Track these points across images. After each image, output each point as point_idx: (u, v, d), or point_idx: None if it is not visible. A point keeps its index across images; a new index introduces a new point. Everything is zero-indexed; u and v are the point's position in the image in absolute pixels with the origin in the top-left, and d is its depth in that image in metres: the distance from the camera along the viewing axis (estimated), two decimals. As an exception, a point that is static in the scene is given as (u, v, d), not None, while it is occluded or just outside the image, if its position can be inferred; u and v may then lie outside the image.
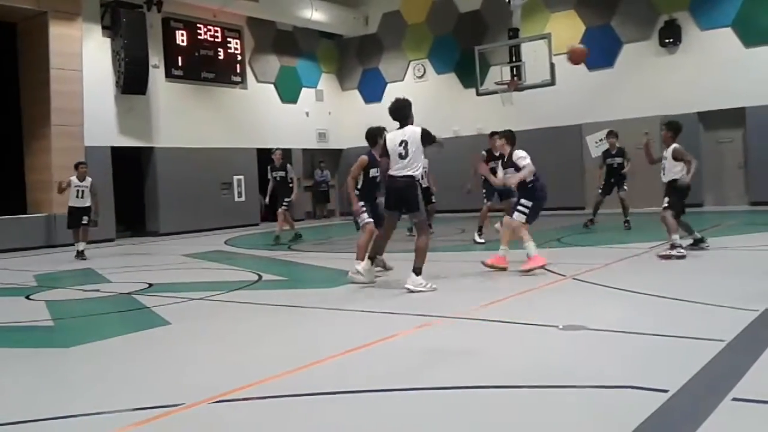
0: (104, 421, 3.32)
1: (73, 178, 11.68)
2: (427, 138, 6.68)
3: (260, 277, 8.33)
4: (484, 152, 10.66)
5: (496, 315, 5.31)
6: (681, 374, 3.49)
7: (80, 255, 11.45)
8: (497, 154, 9.81)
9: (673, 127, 8.36)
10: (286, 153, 19.75)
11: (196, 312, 6.35)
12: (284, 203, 12.58)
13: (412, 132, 6.69)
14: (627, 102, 16.45)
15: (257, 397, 3.56)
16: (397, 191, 6.72)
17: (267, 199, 13.21)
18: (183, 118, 17.29)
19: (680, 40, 15.95)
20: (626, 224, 11.74)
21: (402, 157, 6.66)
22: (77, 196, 11.65)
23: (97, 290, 7.90)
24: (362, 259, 7.24)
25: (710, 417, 2.92)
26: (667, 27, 16.11)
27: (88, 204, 11.68)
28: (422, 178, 8.12)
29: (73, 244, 11.87)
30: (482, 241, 10.67)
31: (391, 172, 6.76)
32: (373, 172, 7.66)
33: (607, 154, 12.10)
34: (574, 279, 6.78)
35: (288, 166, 12.91)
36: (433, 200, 12.14)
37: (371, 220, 7.56)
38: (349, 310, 5.94)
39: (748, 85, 14.90)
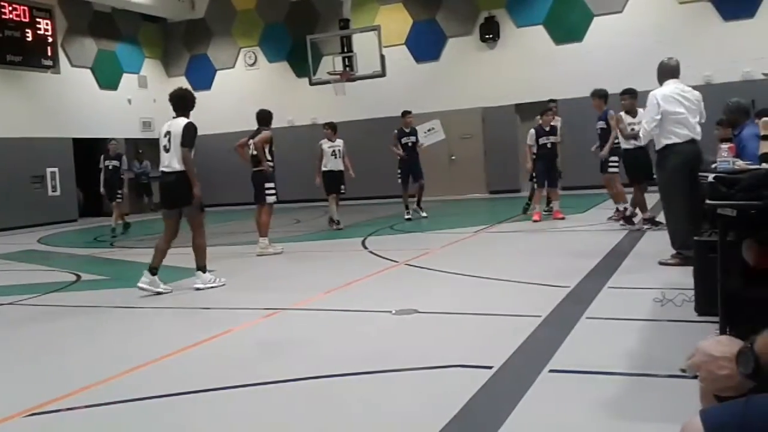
0: None
1: None
2: (185, 137, 6.10)
3: (79, 277, 7.73)
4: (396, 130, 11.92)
5: (330, 304, 5.34)
6: (504, 350, 3.71)
7: None
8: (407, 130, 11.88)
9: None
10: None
11: (5, 318, 5.76)
12: (118, 195, 12.64)
13: (177, 125, 6.24)
14: (452, 94, 17.22)
15: (78, 406, 3.29)
16: (167, 186, 6.31)
17: (102, 190, 12.95)
18: (-15, 105, 15.60)
19: (499, 36, 16.95)
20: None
21: (166, 150, 6.25)
22: None
23: None
24: (265, 236, 8.47)
25: (531, 389, 3.12)
26: (486, 23, 17.06)
27: None
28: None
29: None
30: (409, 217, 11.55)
31: (160, 167, 6.34)
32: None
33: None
34: (406, 264, 6.99)
35: (123, 157, 13.05)
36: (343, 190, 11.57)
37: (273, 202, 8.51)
38: (177, 308, 5.69)
39: (557, 79, 16.18)
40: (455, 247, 8.29)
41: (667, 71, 5.98)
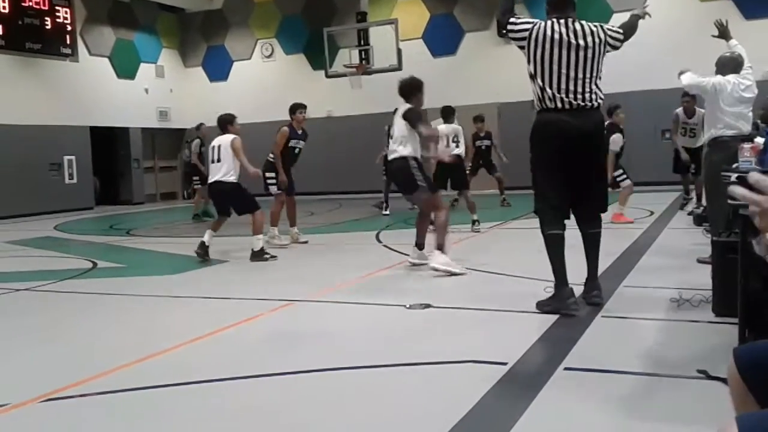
0: None
1: None
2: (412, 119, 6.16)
3: (95, 264, 7.79)
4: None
5: (344, 297, 5.34)
6: (518, 347, 3.69)
7: None
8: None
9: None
10: (124, 131, 18.79)
11: (22, 304, 5.82)
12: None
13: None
14: (468, 89, 17.13)
15: (92, 393, 3.31)
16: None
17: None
18: (4, 92, 15.68)
19: (516, 31, 16.84)
20: (504, 202, 12.41)
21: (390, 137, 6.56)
22: None
23: None
24: (275, 226, 8.33)
25: (545, 386, 3.10)
26: (504, 18, 16.95)
27: None
28: None
29: None
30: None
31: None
32: (292, 143, 8.30)
33: (476, 136, 12.61)
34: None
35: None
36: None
37: (281, 191, 8.31)
38: (191, 297, 5.71)
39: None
40: (469, 242, 8.26)
41: (727, 66, 5.69)
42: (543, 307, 4.48)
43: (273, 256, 7.44)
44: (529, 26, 4.54)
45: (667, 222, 9.09)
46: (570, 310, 4.32)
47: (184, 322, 4.90)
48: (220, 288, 6.05)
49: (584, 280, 4.71)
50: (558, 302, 4.38)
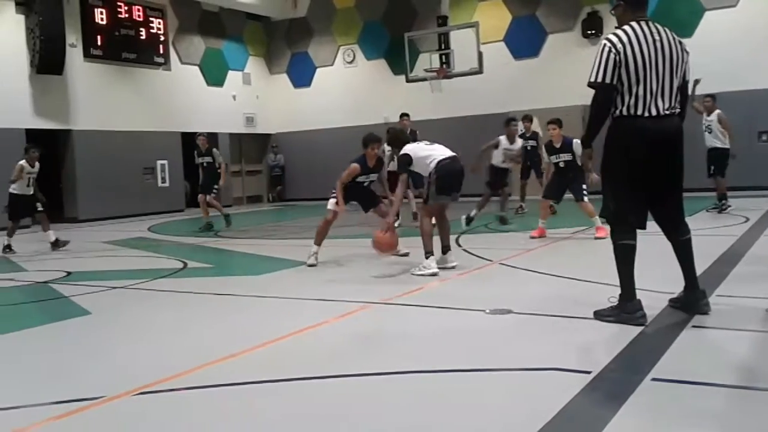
0: (21, 415, 3.17)
1: (24, 164, 9.97)
2: None
3: (185, 264, 8.12)
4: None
5: (426, 300, 5.35)
6: (603, 356, 3.60)
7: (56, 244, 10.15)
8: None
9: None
10: (213, 137, 19.45)
11: (118, 301, 6.14)
12: (214, 190, 12.35)
13: None
14: (551, 91, 16.81)
15: (182, 388, 3.46)
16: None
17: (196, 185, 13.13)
18: (103, 100, 16.61)
19: (602, 31, 16.40)
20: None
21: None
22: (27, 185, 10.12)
23: (12, 279, 7.53)
24: (318, 244, 7.47)
25: (631, 397, 3.02)
26: (589, 18, 16.55)
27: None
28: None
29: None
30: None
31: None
32: (361, 178, 7.56)
33: (522, 137, 12.30)
34: (500, 264, 6.91)
35: (214, 150, 12.56)
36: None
37: (333, 209, 7.43)
38: (276, 297, 5.87)
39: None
40: (552, 247, 8.11)
41: None
42: (604, 317, 4.35)
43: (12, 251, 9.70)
44: (617, 56, 4.34)
45: (763, 229, 8.63)
46: (638, 323, 4.17)
47: (269, 321, 5.04)
48: (302, 289, 6.18)
49: (683, 289, 4.55)
50: (625, 315, 4.25)
